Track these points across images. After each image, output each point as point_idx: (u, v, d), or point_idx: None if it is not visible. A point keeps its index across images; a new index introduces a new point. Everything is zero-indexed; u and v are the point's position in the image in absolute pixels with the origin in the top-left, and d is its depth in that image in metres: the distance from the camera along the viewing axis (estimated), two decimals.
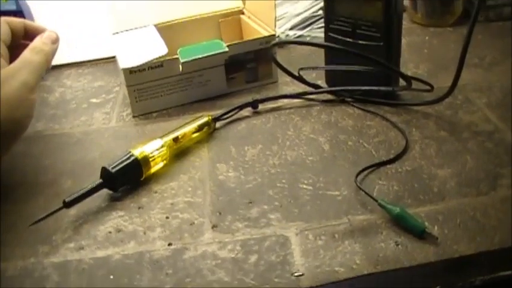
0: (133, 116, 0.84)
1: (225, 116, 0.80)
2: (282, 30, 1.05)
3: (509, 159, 0.68)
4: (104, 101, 0.89)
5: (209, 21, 0.96)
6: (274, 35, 0.87)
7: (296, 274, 0.55)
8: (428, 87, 0.76)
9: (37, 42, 0.71)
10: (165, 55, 0.82)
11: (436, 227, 0.58)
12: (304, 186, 0.66)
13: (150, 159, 0.68)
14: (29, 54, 0.69)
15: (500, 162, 0.67)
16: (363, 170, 0.67)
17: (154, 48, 0.83)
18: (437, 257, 0.55)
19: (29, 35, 0.74)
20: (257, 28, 0.91)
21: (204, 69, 0.84)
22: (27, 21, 0.75)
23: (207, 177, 0.69)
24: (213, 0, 0.97)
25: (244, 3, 0.98)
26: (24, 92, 0.66)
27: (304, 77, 0.85)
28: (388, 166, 0.68)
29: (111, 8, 0.92)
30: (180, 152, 0.74)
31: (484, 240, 0.56)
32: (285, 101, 0.84)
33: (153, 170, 0.69)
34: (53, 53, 0.73)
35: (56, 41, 0.74)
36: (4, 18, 0.72)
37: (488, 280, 0.53)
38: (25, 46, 0.71)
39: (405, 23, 0.97)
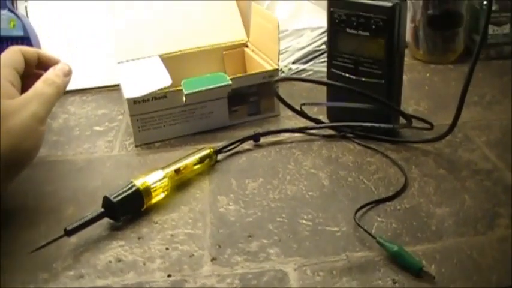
0: (136, 146, 0.85)
1: (227, 149, 0.80)
2: (285, 63, 1.06)
3: (508, 199, 0.68)
4: (107, 129, 0.90)
5: (213, 53, 0.97)
6: (277, 69, 0.88)
7: None
8: (428, 126, 0.77)
9: (50, 74, 0.72)
10: (169, 86, 0.83)
11: (433, 266, 0.59)
12: (304, 221, 0.67)
13: (152, 190, 0.69)
14: (41, 85, 0.70)
15: (499, 202, 0.68)
16: (362, 206, 0.68)
17: (159, 79, 0.84)
18: None
19: (42, 64, 0.75)
20: (260, 62, 0.92)
21: (207, 101, 0.85)
22: (40, 51, 0.76)
23: (208, 210, 0.70)
24: (217, 32, 0.98)
25: (248, 36, 0.99)
26: (33, 123, 0.67)
27: (306, 111, 0.86)
28: (387, 203, 0.69)
29: (117, 36, 0.93)
30: (181, 184, 0.74)
31: (481, 280, 0.57)
32: (287, 135, 0.85)
33: (154, 200, 0.70)
34: (64, 86, 0.73)
35: (68, 74, 0.74)
36: (18, 48, 0.73)
37: None
38: (38, 76, 0.72)
39: (407, 59, 0.98)
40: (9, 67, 0.70)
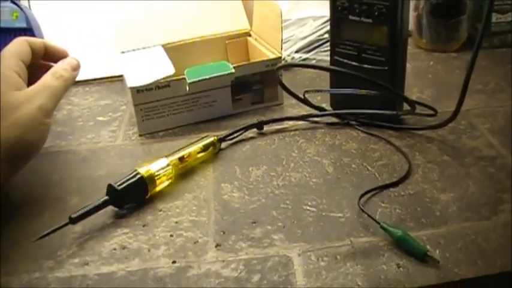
0: (140, 135, 0.85)
1: (231, 137, 0.81)
2: (288, 52, 1.06)
3: (511, 185, 0.68)
4: (111, 119, 0.90)
5: (216, 42, 0.97)
6: (280, 58, 0.87)
7: None
8: (432, 112, 0.77)
9: (58, 67, 0.72)
10: (172, 75, 0.83)
11: (437, 251, 0.59)
12: (308, 207, 0.67)
13: (156, 178, 0.69)
14: (49, 78, 0.70)
15: (502, 188, 0.68)
16: (366, 192, 0.68)
17: (162, 68, 0.84)
18: (439, 280, 0.55)
19: (49, 55, 0.75)
20: (263, 50, 0.92)
21: (210, 89, 0.85)
22: (47, 42, 0.76)
23: (212, 197, 0.70)
24: (220, 21, 0.98)
25: (251, 25, 0.99)
26: (39, 116, 0.67)
27: (309, 99, 0.86)
28: (391, 189, 0.69)
29: (118, 27, 0.93)
30: (185, 172, 0.74)
31: (485, 264, 0.57)
32: (290, 123, 0.85)
33: (158, 188, 0.70)
34: (72, 80, 0.73)
35: (76, 68, 0.74)
36: (24, 38, 0.73)
37: None
38: (44, 67, 0.73)
39: (410, 48, 0.98)
40: (16, 58, 0.70)
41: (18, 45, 0.72)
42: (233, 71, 0.84)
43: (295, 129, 0.83)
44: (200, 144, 0.76)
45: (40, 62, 0.75)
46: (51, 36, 1.01)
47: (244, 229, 0.64)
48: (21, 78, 0.69)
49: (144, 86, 0.82)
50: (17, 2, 0.97)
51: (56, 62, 0.75)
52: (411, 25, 1.06)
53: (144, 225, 0.66)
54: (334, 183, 0.71)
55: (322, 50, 1.08)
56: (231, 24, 0.99)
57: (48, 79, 0.70)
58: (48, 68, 0.73)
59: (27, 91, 0.68)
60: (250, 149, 0.80)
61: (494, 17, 1.06)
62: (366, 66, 0.80)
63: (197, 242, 0.62)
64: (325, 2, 0.83)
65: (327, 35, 1.10)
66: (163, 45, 0.92)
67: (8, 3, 0.96)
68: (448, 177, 0.70)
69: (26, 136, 0.66)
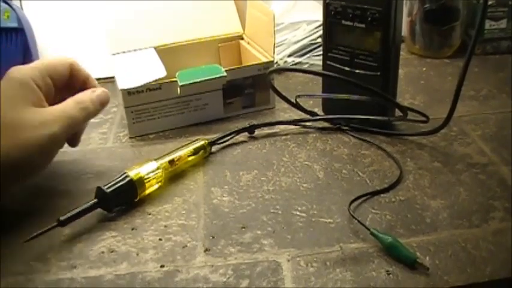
0: (130, 137, 0.84)
1: (221, 141, 0.80)
2: (281, 56, 1.06)
3: (502, 192, 0.68)
4: (101, 121, 0.90)
5: (208, 45, 0.97)
6: (272, 62, 0.87)
7: None
8: (423, 118, 0.77)
9: (86, 96, 0.69)
10: (164, 78, 0.83)
11: (427, 258, 0.59)
12: (298, 213, 0.66)
13: (145, 181, 0.69)
14: (72, 106, 0.67)
15: (493, 195, 0.68)
16: (357, 198, 0.67)
17: (153, 71, 0.84)
18: (428, 287, 0.55)
19: (73, 77, 0.72)
20: (256, 54, 0.92)
21: (201, 93, 0.85)
22: (74, 62, 0.72)
23: (202, 201, 0.69)
24: (213, 24, 0.98)
25: (244, 29, 0.99)
26: (49, 145, 0.64)
27: (301, 104, 0.85)
28: (381, 195, 0.69)
29: (111, 28, 0.93)
30: (175, 175, 0.74)
31: (475, 272, 0.57)
32: (281, 127, 0.85)
33: (147, 191, 0.70)
34: (95, 115, 0.71)
35: (105, 104, 0.72)
36: (53, 57, 0.71)
37: None
38: (68, 87, 0.71)
39: (403, 54, 0.98)
40: (42, 71, 0.67)
41: (50, 61, 0.70)
42: (225, 74, 0.84)
43: (287, 134, 0.83)
44: (191, 148, 0.76)
45: (65, 80, 0.71)
46: (42, 37, 1.01)
47: (233, 234, 0.63)
48: (43, 94, 0.66)
49: (135, 88, 0.81)
50: (8, 1, 0.97)
51: (77, 84, 0.72)
52: (404, 31, 1.06)
53: (132, 229, 0.65)
54: (325, 189, 0.70)
55: (315, 54, 1.07)
56: (224, 27, 0.98)
57: (70, 106, 0.67)
58: (71, 90, 0.71)
59: (43, 112, 0.65)
60: (241, 153, 0.79)
61: (487, 24, 1.06)
62: (358, 71, 0.80)
63: (186, 246, 0.62)
64: (319, 6, 0.83)
65: (320, 40, 1.09)
66: (155, 48, 0.92)
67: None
68: (439, 184, 0.70)
69: (28, 159, 0.63)
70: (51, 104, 0.68)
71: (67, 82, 0.72)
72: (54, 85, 0.69)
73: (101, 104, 0.71)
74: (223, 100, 0.87)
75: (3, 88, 0.65)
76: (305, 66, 1.05)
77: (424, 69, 1.04)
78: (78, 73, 0.73)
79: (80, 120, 0.68)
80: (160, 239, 0.63)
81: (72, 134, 0.71)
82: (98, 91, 0.71)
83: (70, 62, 0.72)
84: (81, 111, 0.68)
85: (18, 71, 0.67)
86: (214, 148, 0.80)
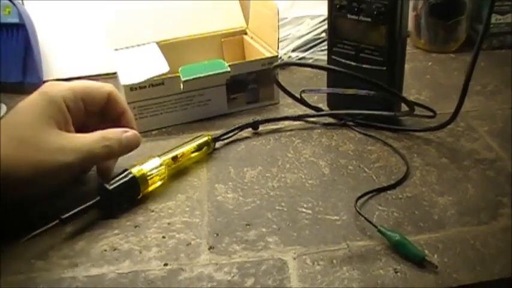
0: None
1: (225, 137, 0.79)
2: (285, 51, 1.05)
3: (510, 188, 0.67)
4: None
5: (212, 40, 0.96)
6: (276, 56, 0.86)
7: None
8: (430, 114, 0.76)
9: (115, 135, 0.67)
10: (167, 73, 0.82)
11: (435, 255, 0.58)
12: (303, 209, 0.65)
13: (148, 178, 0.68)
14: (96, 140, 0.65)
15: (502, 191, 0.67)
16: (363, 195, 0.67)
17: (156, 66, 0.83)
18: (437, 286, 0.54)
19: (110, 106, 0.70)
20: (259, 49, 0.91)
21: (205, 88, 0.84)
22: (113, 92, 0.70)
23: (205, 198, 0.69)
24: (216, 19, 0.97)
25: (247, 24, 0.98)
26: (62, 172, 0.62)
27: (306, 99, 0.84)
28: (388, 192, 0.68)
29: (113, 24, 0.92)
30: (178, 172, 0.73)
31: (484, 270, 0.56)
32: (286, 123, 0.84)
33: (150, 188, 0.69)
34: (120, 155, 0.69)
35: (133, 148, 0.69)
36: (93, 82, 0.69)
37: None
38: (102, 115, 0.70)
39: (408, 48, 0.97)
40: (76, 93, 0.66)
41: (88, 85, 0.68)
42: (228, 69, 0.83)
43: (291, 130, 0.82)
44: (194, 144, 0.75)
45: (101, 106, 0.70)
46: (44, 33, 1.00)
47: (238, 231, 0.63)
48: (72, 117, 0.65)
49: (137, 83, 0.80)
50: None
51: (112, 116, 0.71)
52: (410, 25, 1.05)
53: (135, 226, 0.64)
54: (331, 185, 0.70)
55: (319, 49, 1.07)
56: (227, 22, 0.97)
57: (94, 141, 0.65)
58: (105, 119, 0.70)
59: (64, 138, 0.63)
60: (245, 149, 0.78)
61: (494, 18, 1.05)
62: (364, 66, 0.79)
63: (190, 244, 0.61)
64: (323, 1, 0.82)
65: (324, 34, 1.09)
66: (157, 43, 0.91)
67: None
68: (447, 180, 0.69)
69: (36, 180, 0.61)
70: (79, 127, 0.67)
71: (101, 110, 0.70)
72: (86, 110, 0.68)
73: (129, 147, 0.69)
74: (226, 95, 0.86)
75: (33, 103, 0.64)
76: (309, 61, 1.04)
77: (430, 63, 1.03)
78: (115, 104, 0.71)
79: (101, 158, 0.67)
80: (163, 237, 0.62)
81: (103, 167, 0.70)
82: (129, 133, 0.69)
83: (109, 91, 0.70)
84: (105, 148, 0.65)
85: (52, 88, 0.65)
86: (218, 144, 0.79)
